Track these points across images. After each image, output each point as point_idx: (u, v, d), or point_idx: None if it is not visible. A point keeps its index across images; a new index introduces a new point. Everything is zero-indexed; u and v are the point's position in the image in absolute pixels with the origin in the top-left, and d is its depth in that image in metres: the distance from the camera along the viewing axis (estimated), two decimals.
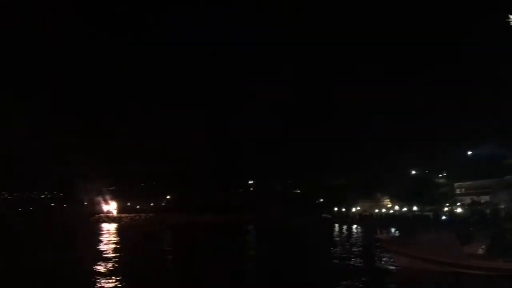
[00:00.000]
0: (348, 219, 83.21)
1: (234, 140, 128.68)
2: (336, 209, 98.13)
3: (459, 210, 69.11)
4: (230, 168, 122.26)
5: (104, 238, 46.63)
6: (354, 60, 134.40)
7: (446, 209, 72.40)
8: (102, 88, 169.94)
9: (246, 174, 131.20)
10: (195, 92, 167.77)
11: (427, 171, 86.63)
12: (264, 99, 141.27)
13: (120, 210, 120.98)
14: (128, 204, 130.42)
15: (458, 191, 77.50)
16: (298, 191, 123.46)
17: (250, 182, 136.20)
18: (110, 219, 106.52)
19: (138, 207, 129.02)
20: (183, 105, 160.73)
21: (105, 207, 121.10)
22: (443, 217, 63.77)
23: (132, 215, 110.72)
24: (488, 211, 58.81)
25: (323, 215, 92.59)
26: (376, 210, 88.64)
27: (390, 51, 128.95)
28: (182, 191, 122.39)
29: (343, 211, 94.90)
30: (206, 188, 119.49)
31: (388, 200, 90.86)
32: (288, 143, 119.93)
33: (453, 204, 73.81)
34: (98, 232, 58.01)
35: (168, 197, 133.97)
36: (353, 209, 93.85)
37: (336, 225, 71.28)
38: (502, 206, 61.07)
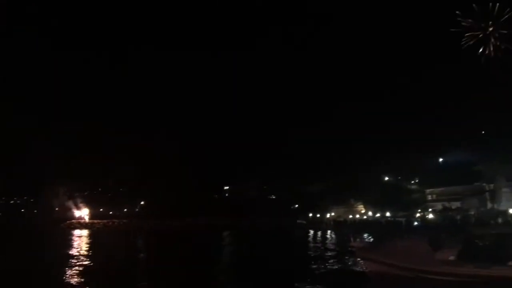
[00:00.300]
0: (322, 225, 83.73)
1: (210, 144, 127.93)
2: (311, 215, 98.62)
3: (430, 216, 70.41)
4: (205, 174, 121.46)
5: (74, 244, 45.69)
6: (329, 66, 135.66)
7: (418, 215, 73.69)
8: (74, 89, 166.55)
9: (222, 179, 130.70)
10: (170, 97, 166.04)
11: (399, 178, 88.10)
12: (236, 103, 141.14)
13: (92, 216, 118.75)
14: (101, 210, 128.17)
15: (429, 197, 79.01)
16: (274, 197, 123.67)
17: (226, 187, 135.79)
18: (82, 225, 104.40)
19: (111, 213, 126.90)
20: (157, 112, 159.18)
21: (77, 213, 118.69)
22: (415, 223, 64.85)
23: (105, 221, 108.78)
24: (458, 217, 60.07)
25: (298, 221, 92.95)
26: (350, 216, 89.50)
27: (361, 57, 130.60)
28: (156, 197, 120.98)
29: (318, 217, 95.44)
30: (181, 194, 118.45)
31: (362, 206, 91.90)
32: (265, 149, 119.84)
33: (424, 210, 75.21)
34: (68, 238, 56.76)
35: (142, 202, 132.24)
36: (328, 215, 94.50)
37: (311, 231, 71.62)
38: (472, 212, 62.52)
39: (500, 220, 52.81)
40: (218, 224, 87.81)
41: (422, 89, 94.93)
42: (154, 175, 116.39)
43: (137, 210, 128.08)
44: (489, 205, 63.16)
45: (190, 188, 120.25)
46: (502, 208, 60.09)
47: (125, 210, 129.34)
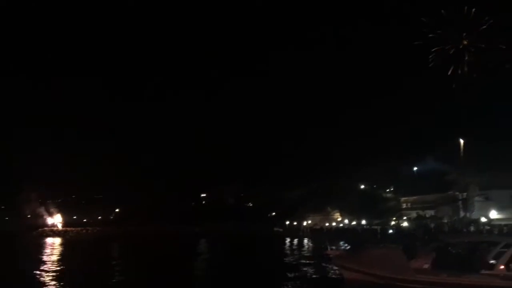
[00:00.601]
0: (299, 232, 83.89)
1: (186, 152, 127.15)
2: (288, 222, 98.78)
3: (405, 224, 71.37)
4: (182, 181, 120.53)
5: (46, 252, 44.64)
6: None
7: (393, 223, 74.62)
8: (45, 97, 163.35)
9: (199, 187, 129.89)
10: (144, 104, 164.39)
11: (375, 186, 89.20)
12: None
13: (65, 223, 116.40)
14: (75, 217, 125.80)
15: (404, 205, 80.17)
16: (251, 204, 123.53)
17: (203, 195, 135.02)
18: (54, 233, 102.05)
19: (85, 220, 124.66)
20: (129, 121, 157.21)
21: (49, 220, 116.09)
22: (390, 231, 65.57)
23: (79, 228, 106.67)
24: (432, 225, 60.99)
25: (275, 229, 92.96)
26: (327, 224, 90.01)
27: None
28: (131, 204, 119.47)
29: (295, 225, 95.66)
30: (157, 201, 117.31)
31: (338, 214, 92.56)
32: (242, 156, 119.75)
33: (399, 218, 76.24)
34: (40, 246, 55.40)
35: (117, 210, 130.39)
36: (305, 223, 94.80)
37: (287, 238, 71.67)
38: (446, 221, 63.59)
39: (472, 228, 53.77)
40: (193, 232, 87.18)
41: (397, 99, 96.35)
42: (129, 182, 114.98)
43: (111, 217, 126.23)
44: (462, 214, 64.31)
45: (166, 195, 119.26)
46: (474, 216, 61.24)
47: (99, 217, 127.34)
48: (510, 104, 62.19)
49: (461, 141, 62.42)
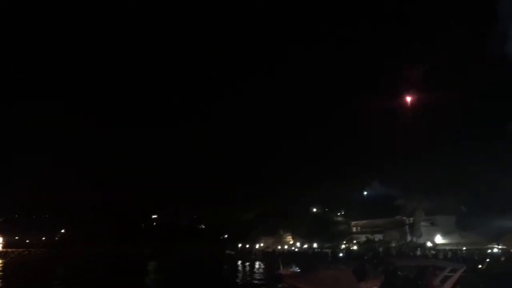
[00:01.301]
0: (251, 255, 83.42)
1: (137, 172, 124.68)
2: (240, 245, 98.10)
3: (355, 247, 72.63)
4: (132, 202, 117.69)
5: None
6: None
7: (343, 246, 75.76)
8: None
9: (150, 208, 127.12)
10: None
11: (327, 210, 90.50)
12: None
13: (6, 244, 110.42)
14: (17, 238, 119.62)
15: (354, 229, 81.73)
16: (203, 226, 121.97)
17: (154, 216, 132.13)
18: None
19: (28, 241, 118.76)
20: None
21: None
22: (341, 254, 66.48)
23: (21, 250, 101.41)
24: (381, 249, 62.37)
25: (227, 251, 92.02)
26: (279, 247, 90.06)
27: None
28: (79, 225, 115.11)
29: (247, 248, 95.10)
30: (105, 222, 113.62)
31: (290, 237, 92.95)
32: (195, 177, 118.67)
33: (350, 241, 77.56)
34: None
35: (62, 231, 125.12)
36: (257, 246, 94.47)
37: (239, 261, 71.08)
38: (393, 244, 65.28)
39: (419, 252, 55.45)
40: (142, 254, 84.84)
41: (349, 123, 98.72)
42: (76, 202, 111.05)
43: (56, 238, 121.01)
44: (409, 238, 66.29)
45: (116, 216, 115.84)
46: (421, 241, 63.30)
47: (44, 238, 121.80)
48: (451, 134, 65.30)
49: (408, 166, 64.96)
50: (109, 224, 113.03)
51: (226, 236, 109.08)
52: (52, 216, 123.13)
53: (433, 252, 54.00)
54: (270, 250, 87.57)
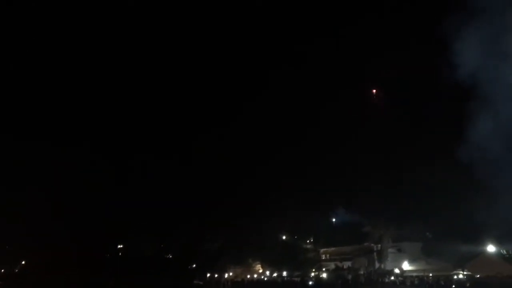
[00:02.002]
0: (220, 285, 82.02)
1: (102, 200, 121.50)
2: (208, 275, 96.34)
3: (324, 275, 72.57)
4: (96, 231, 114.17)
5: None
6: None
7: (312, 274, 75.57)
8: None
9: (115, 237, 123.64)
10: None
11: (296, 237, 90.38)
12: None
13: None
14: None
15: (323, 256, 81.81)
16: (170, 256, 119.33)
17: (120, 246, 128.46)
18: None
19: None
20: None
21: None
22: (310, 282, 66.27)
23: None
24: (350, 276, 62.58)
25: (195, 281, 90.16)
26: (248, 276, 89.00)
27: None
28: (40, 255, 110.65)
29: (216, 277, 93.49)
30: (69, 252, 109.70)
31: (260, 265, 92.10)
32: (161, 205, 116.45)
33: (319, 269, 77.46)
34: None
35: (23, 262, 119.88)
36: (226, 275, 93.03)
37: None
38: (362, 272, 65.66)
39: (386, 279, 55.94)
40: (106, 285, 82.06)
41: (314, 150, 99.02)
42: (39, 232, 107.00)
43: (16, 270, 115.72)
44: (377, 265, 66.86)
45: (79, 246, 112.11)
46: (388, 267, 63.94)
47: (3, 270, 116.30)
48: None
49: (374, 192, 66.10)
50: (72, 254, 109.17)
51: (194, 265, 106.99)
52: (12, 247, 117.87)
53: (400, 279, 54.59)
54: (239, 279, 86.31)
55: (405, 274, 58.61)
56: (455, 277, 52.20)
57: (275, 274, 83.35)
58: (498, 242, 56.62)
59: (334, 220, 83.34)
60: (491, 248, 56.97)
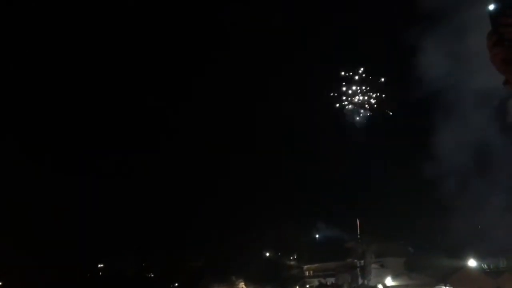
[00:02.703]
0: None
1: (83, 219, 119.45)
2: None
3: None
4: (76, 250, 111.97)
5: None
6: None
7: None
8: None
9: (95, 256, 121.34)
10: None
11: (279, 254, 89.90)
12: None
13: None
14: None
15: (307, 273, 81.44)
16: (152, 275, 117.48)
17: (100, 265, 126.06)
18: None
19: None
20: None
21: None
22: None
23: None
24: None
25: None
26: None
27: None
28: (18, 277, 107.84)
29: None
30: (48, 272, 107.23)
31: (243, 283, 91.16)
32: (142, 223, 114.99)
33: (302, 286, 77.04)
34: None
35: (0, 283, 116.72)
36: None
37: None
38: None
39: None
40: None
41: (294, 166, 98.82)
42: (16, 251, 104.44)
43: None
44: (361, 281, 66.76)
45: (59, 265, 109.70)
46: (372, 283, 63.89)
47: None
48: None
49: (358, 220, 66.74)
50: (52, 273, 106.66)
51: (176, 284, 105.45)
52: None
53: None
54: None
55: None
56: None
57: None
58: (479, 256, 57.19)
59: (317, 236, 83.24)
60: (472, 263, 57.50)
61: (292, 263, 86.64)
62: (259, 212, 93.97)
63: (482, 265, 59.48)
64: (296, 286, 77.48)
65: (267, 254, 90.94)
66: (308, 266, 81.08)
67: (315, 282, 74.69)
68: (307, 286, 76.08)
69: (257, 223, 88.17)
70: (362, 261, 67.87)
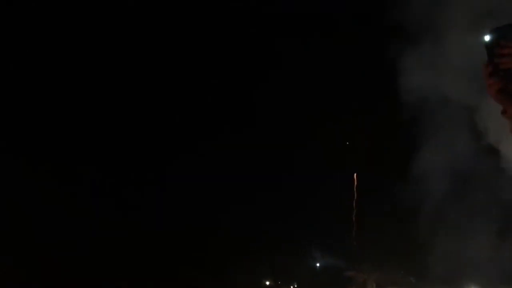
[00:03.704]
0: None
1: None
2: None
3: None
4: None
5: None
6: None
7: None
8: None
9: None
10: None
11: (279, 282, 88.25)
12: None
13: None
14: None
15: None
16: None
17: None
18: None
19: None
20: None
21: None
22: None
23: None
24: None
25: None
26: None
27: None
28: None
29: None
30: None
31: None
32: (130, 256, 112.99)
33: None
34: None
35: None
36: None
37: None
38: None
39: None
40: None
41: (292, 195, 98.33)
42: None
43: None
44: None
45: None
46: None
47: None
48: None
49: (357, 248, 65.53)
50: None
51: None
52: None
53: None
54: None
55: None
56: None
57: None
58: (480, 285, 56.14)
59: (318, 264, 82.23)
60: None
61: None
62: (258, 240, 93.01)
63: None
64: None
65: (267, 283, 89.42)
66: None
67: None
68: None
69: (257, 250, 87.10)
70: None
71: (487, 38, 2.04)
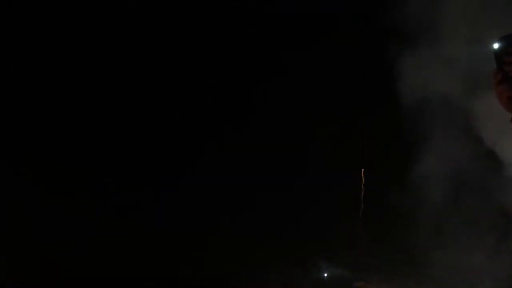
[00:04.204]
0: None
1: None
2: None
3: None
4: None
5: None
6: None
7: None
8: None
9: None
10: None
11: None
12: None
13: None
14: None
15: None
16: None
17: None
18: None
19: None
20: None
21: None
22: None
23: None
24: None
25: None
26: None
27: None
28: None
29: None
30: None
31: None
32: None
33: None
34: None
35: None
36: None
37: None
38: None
39: None
40: None
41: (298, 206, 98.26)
42: None
43: None
44: None
45: None
46: None
47: None
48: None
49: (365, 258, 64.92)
50: None
51: None
52: None
53: None
54: None
55: None
56: None
57: None
58: None
59: (325, 275, 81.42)
60: None
61: None
62: (262, 248, 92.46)
63: None
64: None
65: None
66: None
67: None
68: None
69: (262, 259, 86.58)
70: None
71: (496, 45, 1.99)
